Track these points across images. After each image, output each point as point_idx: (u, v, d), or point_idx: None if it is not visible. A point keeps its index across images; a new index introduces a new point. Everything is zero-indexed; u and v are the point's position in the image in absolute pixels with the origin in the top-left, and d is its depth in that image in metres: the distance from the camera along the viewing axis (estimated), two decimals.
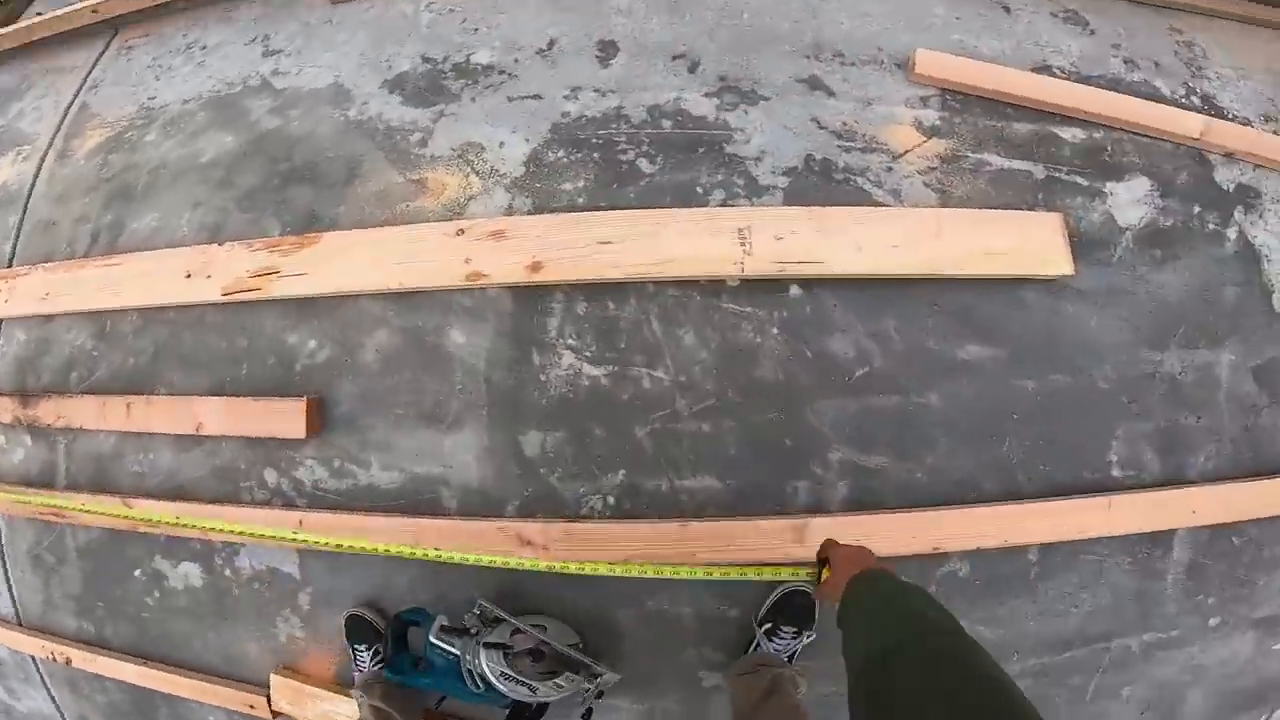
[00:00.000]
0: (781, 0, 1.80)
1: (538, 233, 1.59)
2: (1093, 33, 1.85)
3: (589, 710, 1.60)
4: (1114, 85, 1.78)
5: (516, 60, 1.80)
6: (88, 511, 1.74)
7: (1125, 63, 1.82)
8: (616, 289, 1.62)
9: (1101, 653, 1.69)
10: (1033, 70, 1.76)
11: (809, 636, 1.63)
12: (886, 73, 1.76)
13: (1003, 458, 1.63)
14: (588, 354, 1.62)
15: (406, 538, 1.61)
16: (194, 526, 1.67)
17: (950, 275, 1.59)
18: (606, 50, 1.80)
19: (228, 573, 1.77)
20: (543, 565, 1.53)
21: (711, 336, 1.62)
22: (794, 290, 1.63)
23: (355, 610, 1.73)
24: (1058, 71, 1.78)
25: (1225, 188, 1.75)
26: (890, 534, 1.56)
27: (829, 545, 1.33)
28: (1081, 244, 1.64)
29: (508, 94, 1.74)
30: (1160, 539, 1.66)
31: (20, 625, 1.98)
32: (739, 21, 1.79)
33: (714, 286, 1.63)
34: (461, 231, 1.59)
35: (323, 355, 1.65)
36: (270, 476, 1.69)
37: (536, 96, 1.74)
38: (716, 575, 1.50)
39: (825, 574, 1.34)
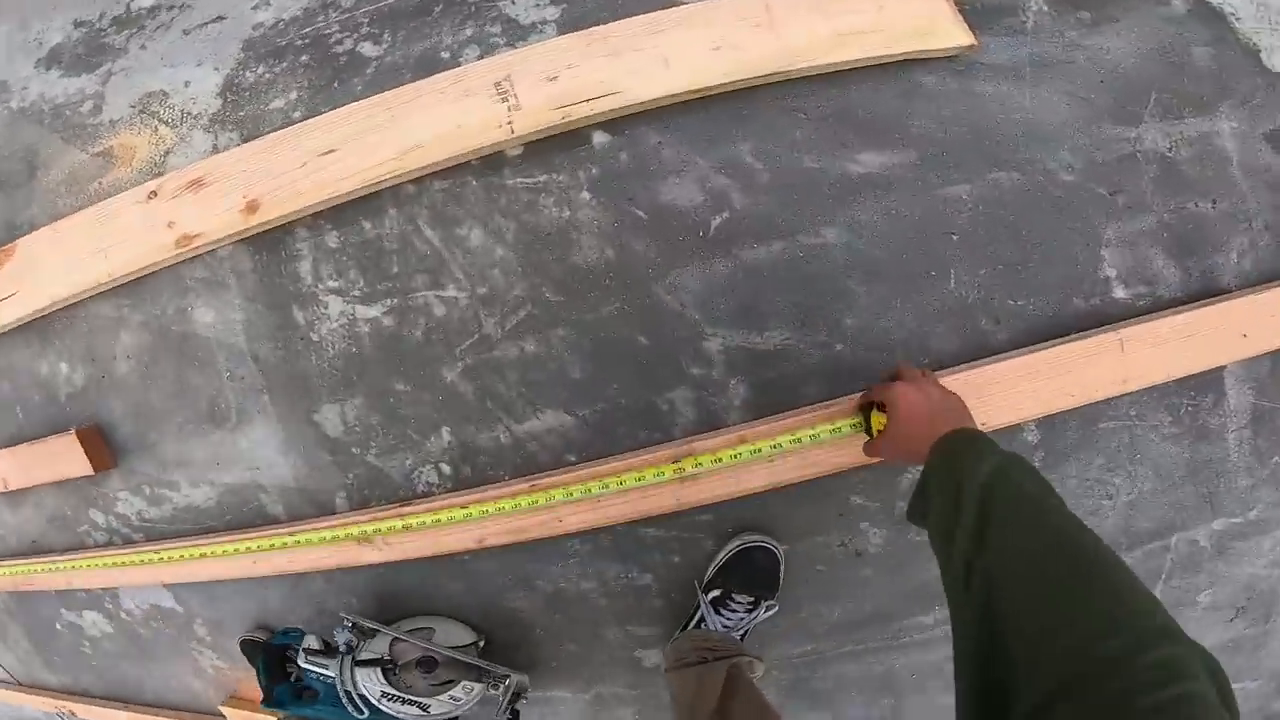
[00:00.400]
0: None
1: (241, 166, 1.19)
2: None
3: (515, 713, 1.33)
4: None
5: None
6: None
7: None
8: (367, 204, 1.20)
9: (1160, 554, 1.16)
10: None
11: (770, 608, 1.22)
12: None
13: (952, 298, 1.10)
14: (357, 292, 1.23)
15: (245, 560, 1.37)
16: (49, 571, 1.53)
17: (803, 71, 1.08)
18: None
19: (124, 615, 1.63)
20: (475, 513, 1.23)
21: (503, 226, 1.18)
22: (599, 138, 1.15)
23: (246, 635, 1.53)
24: None
25: None
26: None
27: (878, 389, 0.98)
28: (976, 14, 1.10)
29: (183, 28, 1.32)
30: (1205, 382, 1.11)
31: (20, 686, 2.01)
32: None
33: (492, 163, 1.18)
34: (154, 194, 1.23)
35: (79, 378, 1.37)
36: (98, 517, 1.48)
37: (219, 19, 1.30)
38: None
39: (877, 422, 0.99)
